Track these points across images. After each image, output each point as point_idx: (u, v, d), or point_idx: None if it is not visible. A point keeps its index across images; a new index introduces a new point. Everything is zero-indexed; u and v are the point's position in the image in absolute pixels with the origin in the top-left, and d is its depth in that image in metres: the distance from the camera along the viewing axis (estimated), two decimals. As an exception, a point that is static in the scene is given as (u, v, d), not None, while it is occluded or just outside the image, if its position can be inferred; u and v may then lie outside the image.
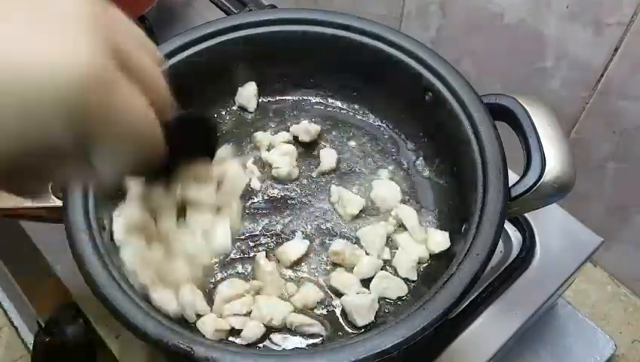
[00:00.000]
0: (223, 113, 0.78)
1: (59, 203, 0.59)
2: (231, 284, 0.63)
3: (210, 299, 0.62)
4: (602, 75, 0.77)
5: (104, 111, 0.29)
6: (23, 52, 0.26)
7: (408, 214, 0.67)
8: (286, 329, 0.61)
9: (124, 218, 0.59)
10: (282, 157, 0.73)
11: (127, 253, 0.56)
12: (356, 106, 0.79)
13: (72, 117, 0.27)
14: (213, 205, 0.64)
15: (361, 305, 0.61)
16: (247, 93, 0.77)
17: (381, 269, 0.65)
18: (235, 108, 0.78)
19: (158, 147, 0.34)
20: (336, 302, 0.63)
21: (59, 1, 0.28)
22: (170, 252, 0.59)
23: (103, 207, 0.59)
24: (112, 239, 0.60)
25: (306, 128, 0.74)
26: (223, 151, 0.68)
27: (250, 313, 0.61)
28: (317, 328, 0.61)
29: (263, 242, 0.67)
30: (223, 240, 0.61)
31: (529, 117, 0.61)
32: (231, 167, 0.66)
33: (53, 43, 0.27)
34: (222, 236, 0.61)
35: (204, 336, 0.57)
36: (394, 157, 0.74)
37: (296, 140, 0.75)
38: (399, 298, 0.64)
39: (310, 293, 0.63)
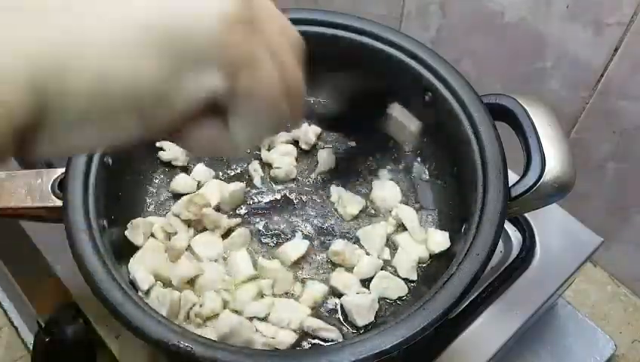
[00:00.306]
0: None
1: (59, 203, 0.59)
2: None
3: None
4: (602, 75, 0.77)
5: (248, 50, 0.31)
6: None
7: (408, 214, 0.67)
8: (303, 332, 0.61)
9: (144, 267, 0.62)
10: (282, 157, 0.73)
11: (155, 300, 0.59)
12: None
13: (221, 55, 0.30)
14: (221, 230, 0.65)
15: (361, 304, 0.61)
16: None
17: (381, 269, 0.65)
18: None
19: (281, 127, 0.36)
20: (336, 301, 0.63)
21: None
22: (197, 287, 0.61)
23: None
24: (136, 290, 0.61)
25: (306, 133, 0.73)
26: (201, 172, 0.70)
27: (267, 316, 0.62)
28: (334, 334, 0.60)
29: (263, 242, 0.68)
30: (246, 265, 0.63)
31: (529, 117, 0.61)
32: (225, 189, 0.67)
33: None
34: (243, 261, 0.63)
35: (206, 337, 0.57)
36: (394, 157, 0.74)
37: (295, 143, 0.75)
38: (399, 298, 0.64)
39: (316, 292, 0.63)
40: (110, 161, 0.64)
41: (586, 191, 0.88)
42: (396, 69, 0.70)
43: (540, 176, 0.58)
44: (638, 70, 0.74)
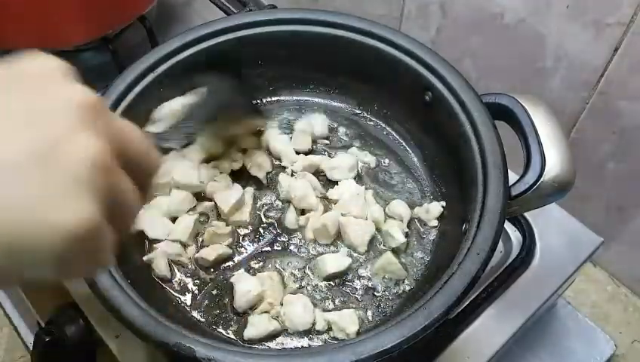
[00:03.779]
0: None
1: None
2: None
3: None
4: (602, 75, 0.77)
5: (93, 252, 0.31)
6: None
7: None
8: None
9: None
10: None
11: None
12: (356, 106, 0.79)
13: (61, 259, 0.29)
14: None
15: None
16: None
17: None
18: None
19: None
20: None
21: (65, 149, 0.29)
22: None
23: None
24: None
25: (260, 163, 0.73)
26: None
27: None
28: None
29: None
30: None
31: (529, 116, 0.61)
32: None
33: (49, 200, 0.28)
34: None
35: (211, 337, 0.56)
36: (394, 157, 0.74)
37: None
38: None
39: None
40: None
41: (586, 191, 0.88)
42: (396, 69, 0.70)
43: (540, 176, 0.58)
44: (638, 70, 0.74)
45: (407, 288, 0.65)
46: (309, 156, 0.73)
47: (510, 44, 0.84)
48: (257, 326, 0.60)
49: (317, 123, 0.76)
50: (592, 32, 0.75)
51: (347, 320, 0.61)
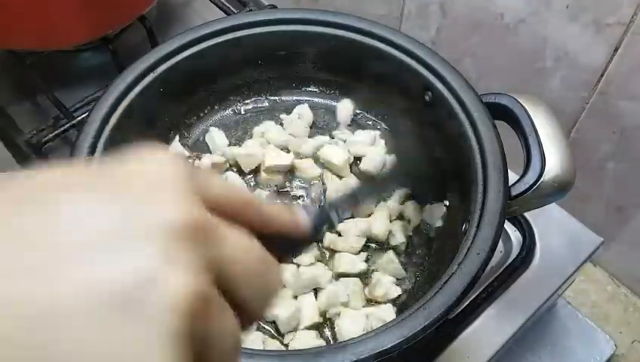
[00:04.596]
0: (226, 113, 0.78)
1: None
2: None
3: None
4: (602, 75, 0.77)
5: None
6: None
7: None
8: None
9: None
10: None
11: None
12: (356, 106, 0.79)
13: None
14: None
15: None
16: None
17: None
18: (232, 108, 0.79)
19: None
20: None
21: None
22: None
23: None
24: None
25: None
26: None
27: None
28: None
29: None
30: None
31: (529, 116, 0.61)
32: None
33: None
34: None
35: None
36: (394, 157, 0.74)
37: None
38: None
39: None
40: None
41: (586, 191, 0.88)
42: (396, 69, 0.70)
43: (540, 175, 0.58)
44: (638, 70, 0.74)
45: (407, 288, 0.65)
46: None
47: (510, 44, 0.84)
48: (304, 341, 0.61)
49: (303, 112, 0.77)
50: (592, 32, 0.75)
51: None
